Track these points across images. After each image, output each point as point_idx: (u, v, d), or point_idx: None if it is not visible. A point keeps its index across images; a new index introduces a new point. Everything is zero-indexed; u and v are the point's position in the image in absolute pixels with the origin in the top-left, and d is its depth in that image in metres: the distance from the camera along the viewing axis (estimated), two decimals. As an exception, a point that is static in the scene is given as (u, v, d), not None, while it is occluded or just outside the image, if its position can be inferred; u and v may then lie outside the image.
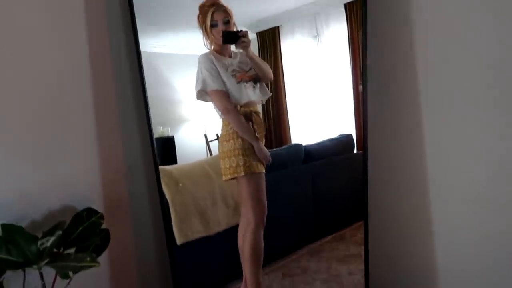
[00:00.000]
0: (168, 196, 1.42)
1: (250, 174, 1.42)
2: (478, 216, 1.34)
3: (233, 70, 1.46)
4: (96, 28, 1.37)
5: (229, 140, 1.43)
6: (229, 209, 1.54)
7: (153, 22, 1.81)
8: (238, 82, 1.45)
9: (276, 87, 1.88)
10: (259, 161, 1.44)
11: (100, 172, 1.37)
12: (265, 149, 1.45)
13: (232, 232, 1.51)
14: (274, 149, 1.85)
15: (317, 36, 1.90)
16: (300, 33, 1.94)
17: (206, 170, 1.52)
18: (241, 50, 1.46)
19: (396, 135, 1.52)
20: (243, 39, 1.41)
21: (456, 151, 1.38)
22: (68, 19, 1.31)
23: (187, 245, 1.41)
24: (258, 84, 1.51)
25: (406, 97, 1.47)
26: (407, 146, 1.48)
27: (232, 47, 1.53)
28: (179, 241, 1.40)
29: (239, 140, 1.42)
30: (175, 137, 1.93)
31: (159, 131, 1.98)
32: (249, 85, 1.47)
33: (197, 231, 1.45)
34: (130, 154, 1.45)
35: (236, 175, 1.41)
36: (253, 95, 1.48)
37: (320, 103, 1.91)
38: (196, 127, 1.82)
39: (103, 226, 1.17)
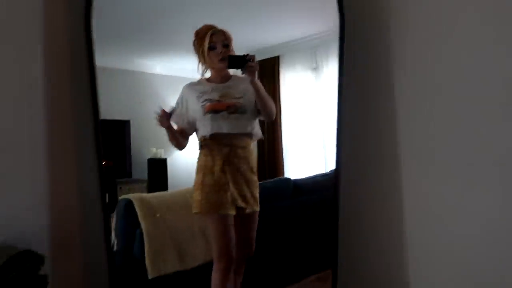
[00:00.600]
0: (143, 227, 1.40)
1: (210, 213, 1.38)
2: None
3: (205, 100, 1.40)
4: (54, 51, 1.29)
5: (197, 172, 1.40)
6: (208, 244, 1.50)
7: (151, 44, 1.83)
8: (205, 113, 1.39)
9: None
10: (232, 200, 1.37)
11: (49, 208, 1.26)
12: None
13: (209, 268, 1.46)
14: (261, 182, 1.82)
15: (316, 68, 1.88)
16: (299, 64, 1.93)
17: (187, 201, 1.51)
18: (245, 76, 1.39)
19: (372, 190, 1.48)
20: (250, 63, 1.32)
21: (435, 208, 1.34)
22: (23, 46, 1.25)
23: (160, 279, 1.39)
24: (242, 115, 1.40)
25: (384, 148, 1.44)
26: (383, 204, 1.44)
27: (233, 71, 1.49)
28: (151, 275, 1.38)
29: (200, 174, 1.39)
30: (168, 159, 1.93)
31: (152, 152, 1.99)
32: (223, 115, 1.38)
33: (172, 266, 1.42)
34: (86, 188, 1.34)
35: (196, 210, 1.39)
36: (227, 127, 1.38)
37: (316, 137, 1.88)
38: (190, 150, 1.81)
39: (47, 271, 1.09)
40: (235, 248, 1.40)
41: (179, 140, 1.44)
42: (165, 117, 1.38)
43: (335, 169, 1.42)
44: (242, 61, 1.34)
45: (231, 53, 1.40)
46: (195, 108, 1.40)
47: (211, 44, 1.36)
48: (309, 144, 1.90)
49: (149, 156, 1.97)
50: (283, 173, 1.96)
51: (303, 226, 1.72)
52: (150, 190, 1.93)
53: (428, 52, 1.34)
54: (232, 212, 1.38)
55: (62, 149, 1.29)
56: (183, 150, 1.49)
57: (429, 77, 1.34)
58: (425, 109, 1.35)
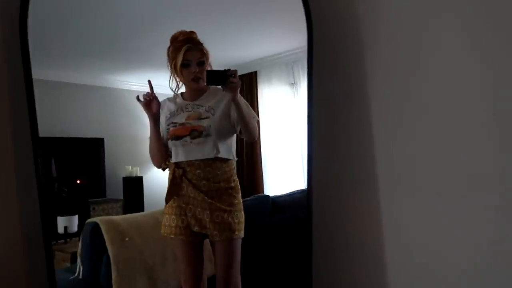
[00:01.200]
0: (110, 252, 1.34)
1: (167, 235, 1.33)
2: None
3: (171, 123, 1.34)
4: None
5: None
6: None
7: (126, 60, 1.80)
8: (167, 139, 1.33)
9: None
10: (187, 225, 1.32)
11: None
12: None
13: (182, 293, 1.42)
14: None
15: (294, 84, 1.86)
16: (277, 80, 1.92)
17: (159, 222, 1.45)
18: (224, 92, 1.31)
19: (348, 208, 1.44)
20: (232, 79, 1.23)
21: (414, 228, 1.30)
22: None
23: (128, 307, 1.33)
24: (206, 138, 1.30)
25: (359, 165, 1.41)
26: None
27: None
28: (118, 303, 1.32)
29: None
30: (144, 178, 1.88)
31: (127, 170, 1.94)
32: (185, 142, 1.30)
33: (141, 292, 1.36)
34: (29, 221, 1.21)
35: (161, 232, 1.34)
36: (188, 155, 1.30)
37: (295, 153, 1.85)
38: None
39: None
40: (217, 280, 1.34)
41: (161, 148, 1.34)
42: (153, 98, 1.30)
43: (307, 189, 1.37)
44: (223, 77, 1.25)
45: (203, 72, 1.31)
46: (163, 130, 1.35)
47: (185, 61, 1.28)
48: (288, 160, 1.87)
49: (124, 175, 1.92)
50: (263, 190, 1.92)
51: (281, 244, 1.66)
52: (126, 210, 1.88)
53: (402, 64, 1.31)
54: (187, 237, 1.32)
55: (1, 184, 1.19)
56: (160, 167, 1.39)
57: (404, 89, 1.30)
58: (402, 124, 1.31)
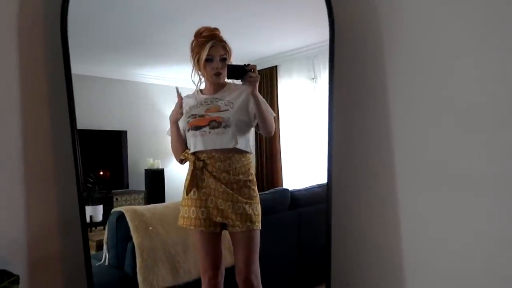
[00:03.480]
0: (135, 241, 1.38)
1: (187, 227, 1.36)
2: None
3: (191, 116, 1.37)
4: (30, 66, 1.26)
5: (184, 186, 1.38)
6: (202, 257, 1.47)
7: (147, 54, 1.83)
8: (188, 130, 1.37)
9: (271, 127, 1.84)
10: (207, 216, 1.34)
11: (26, 227, 1.22)
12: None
13: (203, 282, 1.45)
14: (260, 193, 1.80)
15: (314, 78, 1.86)
16: (297, 74, 1.92)
17: (181, 213, 1.48)
18: (241, 85, 1.36)
19: (366, 201, 1.45)
20: (251, 74, 1.28)
21: (432, 220, 1.31)
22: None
23: (152, 294, 1.36)
24: (225, 129, 1.33)
25: (378, 159, 1.42)
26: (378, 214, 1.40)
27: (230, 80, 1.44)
28: (142, 290, 1.35)
29: (184, 188, 1.36)
30: (165, 170, 1.92)
31: (149, 162, 1.98)
32: (204, 132, 1.34)
33: (164, 280, 1.40)
34: (64, 204, 1.29)
35: (179, 223, 1.37)
36: (207, 144, 1.33)
37: (314, 147, 1.86)
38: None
39: None
40: (236, 270, 1.36)
41: (184, 145, 1.40)
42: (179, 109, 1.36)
43: (327, 182, 1.38)
44: (242, 72, 1.29)
45: (224, 68, 1.34)
46: (184, 123, 1.38)
47: (209, 56, 1.31)
48: (307, 154, 1.87)
49: (146, 167, 1.95)
50: (281, 184, 1.93)
51: (300, 238, 1.68)
52: (148, 201, 1.92)
53: (421, 61, 1.32)
54: (207, 228, 1.34)
55: (39, 164, 1.26)
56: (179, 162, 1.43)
57: (422, 86, 1.32)
58: (420, 118, 1.32)
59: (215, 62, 1.34)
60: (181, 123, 1.41)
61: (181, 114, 1.37)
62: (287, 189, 1.73)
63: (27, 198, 1.23)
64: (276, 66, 1.91)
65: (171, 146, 1.42)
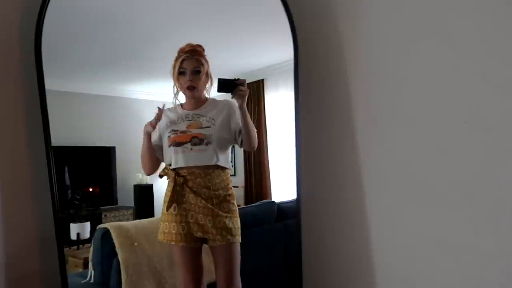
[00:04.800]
0: (120, 257, 1.38)
1: (167, 242, 1.36)
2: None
3: (172, 131, 1.38)
4: (6, 84, 1.25)
5: (164, 202, 1.38)
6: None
7: (135, 70, 1.85)
8: (169, 146, 1.37)
9: (259, 141, 1.85)
10: (187, 231, 1.34)
11: (5, 246, 1.22)
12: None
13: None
14: (246, 206, 1.81)
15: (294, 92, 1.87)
16: (284, 87, 1.93)
17: (168, 229, 1.48)
18: (224, 100, 1.40)
19: (336, 216, 1.48)
20: (241, 87, 1.31)
21: (402, 234, 1.33)
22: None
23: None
24: (207, 146, 1.34)
25: (347, 174, 1.45)
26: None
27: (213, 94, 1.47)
28: (128, 306, 1.35)
29: (164, 204, 1.36)
30: (154, 185, 1.92)
31: (138, 178, 1.98)
32: (185, 148, 1.34)
33: (149, 296, 1.39)
34: (44, 225, 1.29)
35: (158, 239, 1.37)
36: (189, 160, 1.34)
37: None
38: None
39: None
40: (218, 284, 1.36)
41: (153, 157, 1.40)
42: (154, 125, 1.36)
43: (296, 196, 1.42)
44: (233, 85, 1.33)
45: (198, 81, 1.37)
46: (164, 137, 1.39)
47: (181, 69, 1.34)
48: (294, 167, 1.87)
49: (134, 183, 1.96)
50: (270, 196, 1.94)
51: (287, 249, 1.68)
52: (137, 217, 1.92)
53: (383, 77, 1.35)
54: (188, 243, 1.34)
55: (16, 183, 1.27)
56: (150, 175, 1.46)
57: (385, 99, 1.35)
58: (385, 131, 1.35)
59: (187, 75, 1.36)
60: (156, 136, 1.42)
61: (153, 128, 1.37)
62: (273, 202, 1.74)
63: (5, 217, 1.23)
64: (263, 80, 1.93)
65: (141, 157, 1.41)
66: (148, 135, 1.39)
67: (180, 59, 1.35)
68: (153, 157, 1.40)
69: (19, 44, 1.26)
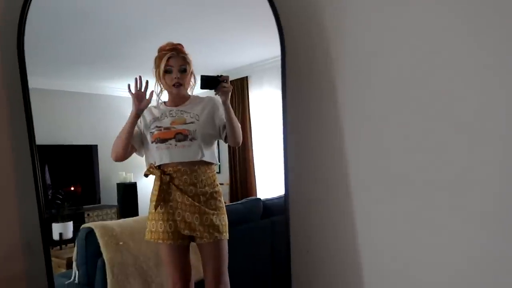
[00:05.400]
0: (105, 257, 1.36)
1: (155, 241, 1.35)
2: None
3: (155, 127, 1.36)
4: None
5: (150, 200, 1.37)
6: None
7: (117, 67, 1.82)
8: (151, 142, 1.36)
9: (244, 138, 1.85)
10: (175, 229, 1.33)
11: None
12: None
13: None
14: (232, 203, 1.81)
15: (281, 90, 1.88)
16: (268, 84, 1.94)
17: (153, 227, 1.47)
18: (206, 97, 1.40)
19: (323, 211, 1.51)
20: (224, 84, 1.31)
21: (388, 231, 1.36)
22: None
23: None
24: (191, 142, 1.34)
25: (336, 176, 1.47)
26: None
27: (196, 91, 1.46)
28: (114, 306, 1.33)
29: (151, 203, 1.35)
30: (138, 183, 1.90)
31: (121, 176, 1.95)
32: (169, 145, 1.33)
33: (136, 295, 1.38)
34: (28, 226, 1.26)
35: (146, 238, 1.36)
36: (173, 157, 1.33)
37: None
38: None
39: None
40: (206, 282, 1.37)
41: (128, 143, 1.36)
42: (145, 92, 1.32)
43: (284, 193, 1.43)
44: (215, 82, 1.33)
45: (185, 78, 1.36)
46: (146, 134, 1.37)
47: (168, 67, 1.33)
48: (280, 163, 1.88)
49: (118, 181, 1.93)
50: (255, 193, 1.94)
51: (273, 246, 1.69)
52: (121, 216, 1.89)
53: (367, 74, 1.38)
54: (175, 241, 1.33)
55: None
56: (118, 161, 1.43)
57: (371, 97, 1.37)
58: (371, 128, 1.38)
59: (174, 72, 1.35)
60: (145, 133, 1.40)
61: (147, 101, 1.34)
62: (259, 199, 1.75)
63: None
64: (247, 77, 1.93)
65: (115, 143, 1.37)
66: (137, 115, 1.35)
67: (166, 57, 1.33)
68: (128, 145, 1.38)
69: (1, 41, 1.23)
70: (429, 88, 1.25)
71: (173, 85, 1.35)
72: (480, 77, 1.16)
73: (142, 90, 1.34)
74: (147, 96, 1.35)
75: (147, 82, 1.34)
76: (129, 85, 1.35)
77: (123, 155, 1.39)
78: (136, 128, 1.39)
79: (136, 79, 1.34)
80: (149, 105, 1.37)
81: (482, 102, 1.16)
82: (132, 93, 1.34)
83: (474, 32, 1.17)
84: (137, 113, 1.35)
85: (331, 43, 1.44)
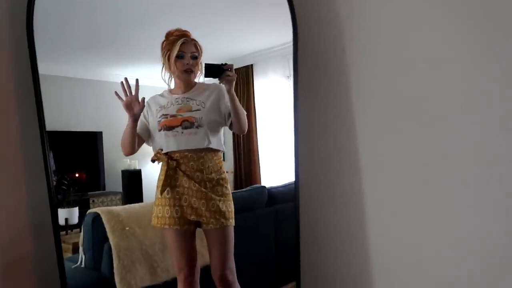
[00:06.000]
0: (112, 242, 1.37)
1: (162, 228, 1.36)
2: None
3: (162, 115, 1.37)
4: None
5: (157, 186, 1.38)
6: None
7: (122, 54, 1.81)
8: (159, 130, 1.37)
9: (248, 126, 1.85)
10: (181, 214, 1.34)
11: None
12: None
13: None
14: (236, 191, 1.81)
15: (290, 76, 1.87)
16: (273, 72, 1.93)
17: (158, 213, 1.48)
18: (211, 84, 1.39)
19: (334, 199, 1.50)
20: (228, 72, 1.31)
21: (399, 215, 1.35)
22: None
23: (129, 295, 1.36)
24: (198, 129, 1.35)
25: (344, 157, 1.47)
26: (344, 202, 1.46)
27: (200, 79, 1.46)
28: (120, 290, 1.35)
29: (157, 189, 1.37)
30: (142, 170, 1.90)
31: (126, 163, 1.96)
32: (176, 132, 1.34)
33: (142, 280, 1.39)
34: (38, 208, 1.28)
35: (152, 223, 1.37)
36: (180, 144, 1.34)
37: (291, 144, 1.87)
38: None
39: None
40: (212, 268, 1.38)
41: (134, 142, 1.37)
42: (135, 99, 1.29)
43: (295, 179, 1.43)
44: (220, 70, 1.33)
45: (195, 65, 1.37)
46: (153, 123, 1.38)
47: (180, 52, 1.32)
48: (285, 151, 1.89)
49: (122, 168, 1.94)
50: (259, 181, 1.95)
51: (277, 234, 1.70)
52: (125, 202, 1.90)
53: (382, 60, 1.37)
54: (182, 226, 1.34)
55: (9, 167, 1.25)
56: (128, 155, 1.44)
57: (384, 81, 1.37)
58: (383, 113, 1.37)
59: (186, 58, 1.35)
60: (151, 121, 1.40)
61: (140, 106, 1.32)
62: (264, 186, 1.75)
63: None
64: (252, 65, 1.92)
65: (122, 141, 1.37)
66: (134, 119, 1.34)
67: (180, 42, 1.33)
68: (134, 143, 1.38)
69: (10, 27, 1.24)
70: (445, 75, 1.24)
71: (185, 70, 1.34)
72: (500, 68, 1.15)
73: (133, 93, 1.31)
74: (140, 99, 1.32)
75: (137, 81, 1.32)
76: (116, 92, 1.33)
77: (132, 151, 1.41)
78: (143, 119, 1.39)
79: (122, 83, 1.32)
80: (154, 95, 1.37)
81: (504, 94, 1.15)
82: (121, 99, 1.32)
83: (499, 19, 1.15)
84: (133, 119, 1.34)
85: (344, 29, 1.43)
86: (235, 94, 1.34)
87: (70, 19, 1.61)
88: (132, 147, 1.39)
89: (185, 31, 1.38)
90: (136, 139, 1.39)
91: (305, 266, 1.47)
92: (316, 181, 1.53)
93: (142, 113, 1.37)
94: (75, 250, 1.49)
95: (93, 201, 1.88)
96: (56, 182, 1.75)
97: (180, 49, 1.32)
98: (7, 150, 1.25)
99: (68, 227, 1.61)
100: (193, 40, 1.38)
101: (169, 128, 1.35)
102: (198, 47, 1.38)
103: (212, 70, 1.35)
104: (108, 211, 1.40)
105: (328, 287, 1.52)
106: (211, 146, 1.34)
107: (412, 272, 1.34)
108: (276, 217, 1.74)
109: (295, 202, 1.43)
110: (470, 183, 1.21)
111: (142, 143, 1.43)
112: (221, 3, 1.64)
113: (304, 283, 1.45)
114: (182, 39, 1.34)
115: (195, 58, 1.34)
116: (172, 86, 1.43)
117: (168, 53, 1.35)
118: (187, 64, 1.32)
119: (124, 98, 1.32)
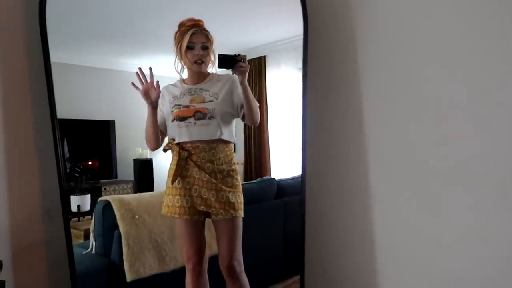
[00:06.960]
0: (122, 229, 1.39)
1: (173, 217, 1.37)
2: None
3: (175, 106, 1.37)
4: (10, 56, 1.25)
5: (168, 175, 1.39)
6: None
7: (136, 43, 1.82)
8: (172, 121, 1.37)
9: (260, 117, 1.85)
10: (191, 204, 1.35)
11: (10, 214, 1.25)
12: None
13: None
14: (246, 182, 1.82)
15: (301, 68, 1.86)
16: (285, 64, 1.92)
17: (167, 202, 1.49)
18: (224, 75, 1.39)
19: (340, 192, 1.50)
20: (241, 63, 1.30)
21: (403, 210, 1.35)
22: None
23: (138, 282, 1.38)
24: (210, 121, 1.35)
25: (351, 151, 1.46)
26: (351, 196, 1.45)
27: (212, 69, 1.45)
28: (129, 277, 1.37)
29: (168, 178, 1.37)
30: (153, 160, 1.92)
31: (137, 152, 1.98)
32: (189, 123, 1.34)
33: (150, 268, 1.42)
34: (49, 193, 1.30)
35: (162, 212, 1.38)
36: (192, 135, 1.34)
37: (301, 137, 1.87)
38: (176, 151, 1.79)
39: (7, 276, 1.09)
40: (220, 258, 1.39)
41: (157, 133, 1.38)
42: (151, 85, 1.31)
43: (301, 171, 1.42)
44: (233, 61, 1.33)
45: (206, 56, 1.35)
46: (166, 113, 1.39)
47: (190, 44, 1.32)
48: (295, 143, 1.88)
49: (134, 157, 1.96)
50: (269, 173, 1.95)
51: (286, 226, 1.70)
52: (137, 191, 1.93)
53: (393, 55, 1.35)
54: (191, 216, 1.35)
55: (21, 154, 1.28)
56: (154, 150, 1.45)
57: (394, 76, 1.35)
58: (392, 107, 1.36)
59: (196, 49, 1.34)
60: (166, 111, 1.41)
61: (157, 92, 1.34)
62: (273, 179, 1.75)
63: (9, 186, 1.25)
64: (264, 56, 1.91)
65: (146, 134, 1.39)
66: (153, 106, 1.36)
67: (190, 33, 1.32)
68: (158, 132, 1.39)
69: (24, 15, 1.25)
70: (455, 70, 1.22)
71: (195, 61, 1.34)
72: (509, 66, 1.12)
73: (148, 81, 1.32)
74: (155, 84, 1.34)
75: (150, 70, 1.34)
76: (132, 83, 1.35)
77: (157, 143, 1.42)
78: (159, 111, 1.40)
79: (137, 73, 1.34)
80: (168, 84, 1.37)
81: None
82: (138, 89, 1.34)
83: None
84: (152, 106, 1.36)
85: (355, 21, 1.42)
86: (248, 85, 1.33)
87: (87, 8, 1.62)
88: (156, 139, 1.40)
89: (197, 20, 1.37)
90: (159, 130, 1.40)
91: (310, 260, 1.47)
92: (322, 175, 1.53)
93: (159, 106, 1.38)
94: (87, 236, 1.52)
95: (105, 189, 1.91)
96: (69, 170, 1.78)
97: (190, 40, 1.31)
98: (20, 137, 1.28)
99: (80, 214, 1.64)
100: (204, 30, 1.36)
101: (181, 118, 1.35)
102: (210, 37, 1.36)
103: (226, 61, 1.35)
104: (119, 199, 1.42)
105: (332, 282, 1.51)
106: (223, 137, 1.34)
107: (417, 266, 1.33)
108: (284, 210, 1.74)
109: (301, 195, 1.43)
110: (478, 181, 1.20)
111: (164, 138, 1.43)
112: (234, -6, 1.63)
113: (308, 277, 1.45)
114: (192, 30, 1.33)
115: (206, 48, 1.33)
116: (185, 76, 1.42)
117: (180, 44, 1.36)
118: (197, 54, 1.32)
119: (140, 87, 1.31)
